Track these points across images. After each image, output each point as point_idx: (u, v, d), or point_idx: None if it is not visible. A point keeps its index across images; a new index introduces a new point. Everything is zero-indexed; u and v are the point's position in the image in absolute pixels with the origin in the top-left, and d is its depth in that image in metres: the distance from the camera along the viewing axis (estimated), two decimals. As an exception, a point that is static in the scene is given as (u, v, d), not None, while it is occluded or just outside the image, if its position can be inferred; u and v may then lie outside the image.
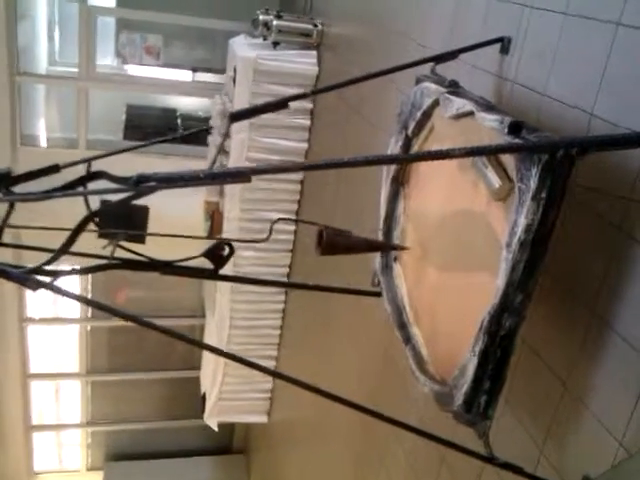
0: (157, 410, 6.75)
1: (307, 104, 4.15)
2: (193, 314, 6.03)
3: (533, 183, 1.22)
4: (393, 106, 2.84)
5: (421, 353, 1.76)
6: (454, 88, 1.61)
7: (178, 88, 5.69)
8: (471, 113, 1.46)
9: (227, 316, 4.53)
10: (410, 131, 1.80)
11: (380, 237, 2.00)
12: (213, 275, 1.68)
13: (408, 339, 1.81)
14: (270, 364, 4.86)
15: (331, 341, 3.71)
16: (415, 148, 1.84)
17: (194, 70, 6.36)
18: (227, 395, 4.89)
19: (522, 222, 1.25)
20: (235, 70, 4.18)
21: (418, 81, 1.80)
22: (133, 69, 6.12)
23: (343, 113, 3.58)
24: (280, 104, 1.69)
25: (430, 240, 1.76)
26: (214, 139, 4.47)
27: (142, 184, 1.27)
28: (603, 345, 1.50)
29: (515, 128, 1.28)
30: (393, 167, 1.90)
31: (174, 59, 6.27)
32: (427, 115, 1.72)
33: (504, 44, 1.94)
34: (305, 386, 1.56)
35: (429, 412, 2.35)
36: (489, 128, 1.37)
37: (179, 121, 6.84)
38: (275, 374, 1.70)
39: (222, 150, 3.98)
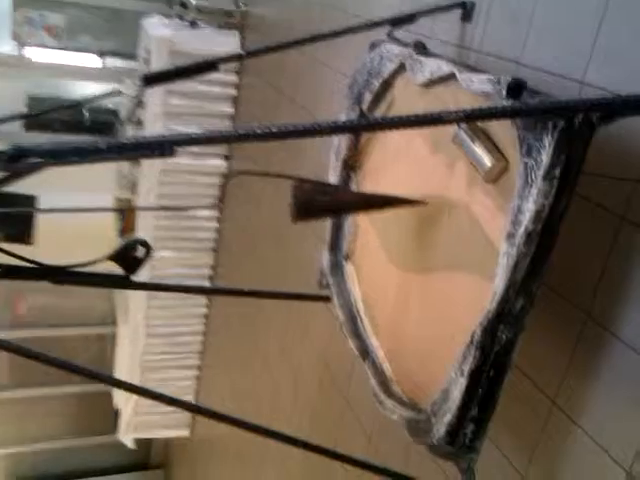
0: (67, 427, 6.16)
1: (230, 90, 3.80)
2: (103, 321, 5.50)
3: (546, 157, 0.95)
4: (330, 91, 2.55)
5: (383, 370, 1.47)
6: (423, 50, 1.33)
7: (86, 74, 5.16)
8: (451, 76, 1.18)
9: (142, 323, 4.09)
10: (365, 105, 1.51)
11: (327, 233, 1.70)
12: (124, 282, 1.31)
13: (366, 353, 1.52)
14: (192, 374, 4.46)
15: (263, 350, 3.38)
16: (371, 125, 1.55)
17: (102, 55, 5.83)
18: (144, 409, 4.44)
19: (530, 208, 0.98)
20: (149, 52, 3.76)
21: (373, 46, 1.51)
22: (34, 53, 5.51)
23: (272, 99, 3.25)
24: (207, 66, 1.35)
25: (392, 235, 1.47)
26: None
27: (21, 160, 0.91)
28: (602, 354, 1.27)
29: (516, 90, 1.01)
30: (343, 149, 1.60)
31: (80, 44, 5.72)
32: (388, 84, 1.43)
33: (466, 10, 1.69)
34: (228, 420, 1.27)
35: (384, 439, 2.08)
36: (478, 93, 1.09)
37: (86, 113, 6.29)
38: (194, 409, 1.40)
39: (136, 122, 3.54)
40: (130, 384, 1.20)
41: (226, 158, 3.93)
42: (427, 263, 1.33)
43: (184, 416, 4.66)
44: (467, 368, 1.11)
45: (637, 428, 1.21)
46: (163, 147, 0.95)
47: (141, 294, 4.01)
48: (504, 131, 1.10)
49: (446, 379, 1.16)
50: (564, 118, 0.93)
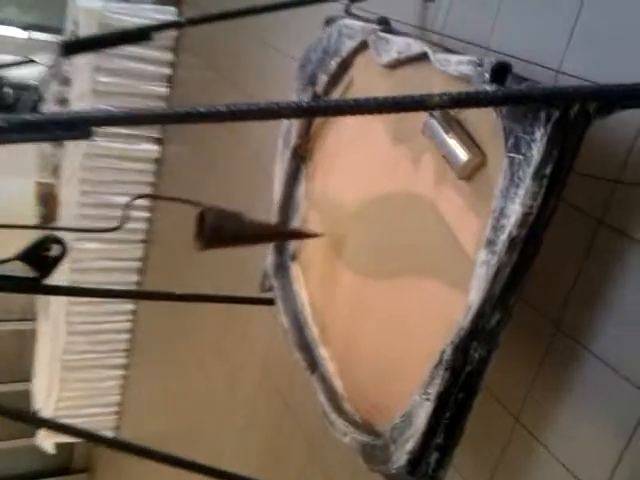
0: (-21, 430, 5.71)
1: (164, 69, 3.54)
2: (22, 317, 5.11)
3: (537, 152, 0.82)
4: (275, 75, 2.36)
5: (334, 386, 1.32)
6: (387, 27, 1.18)
7: (7, 47, 4.74)
8: (422, 57, 1.04)
9: (63, 320, 3.78)
10: (320, 87, 1.35)
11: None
12: (34, 286, 1.10)
13: (314, 365, 1.36)
14: (117, 373, 4.18)
15: (197, 349, 3.17)
16: (324, 111, 1.39)
17: (27, 29, 5.41)
18: (65, 412, 4.13)
19: (516, 211, 0.84)
20: (77, 24, 3.46)
21: (330, 21, 1.35)
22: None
23: (211, 81, 3.03)
24: (139, 34, 1.15)
25: (346, 235, 1.32)
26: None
27: None
28: (572, 368, 1.16)
29: (500, 73, 0.88)
30: (293, 135, 1.43)
31: (4, 15, 5.27)
32: (346, 64, 1.27)
33: (427, -11, 1.55)
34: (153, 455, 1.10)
35: (327, 446, 1.94)
36: (455, 75, 0.95)
37: (8, 90, 5.82)
38: (115, 445, 1.28)
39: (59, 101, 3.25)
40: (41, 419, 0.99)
41: (159, 142, 3.68)
42: (386, 268, 1.19)
43: (110, 419, 4.38)
44: (434, 391, 0.97)
45: (607, 449, 1.11)
46: (77, 126, 0.75)
47: (63, 287, 3.70)
48: (482, 122, 0.97)
49: (409, 402, 1.02)
50: (559, 108, 0.80)
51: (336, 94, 1.34)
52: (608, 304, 1.11)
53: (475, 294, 0.90)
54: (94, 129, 0.75)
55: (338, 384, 1.32)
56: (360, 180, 1.28)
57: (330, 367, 1.34)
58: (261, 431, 2.36)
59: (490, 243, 0.87)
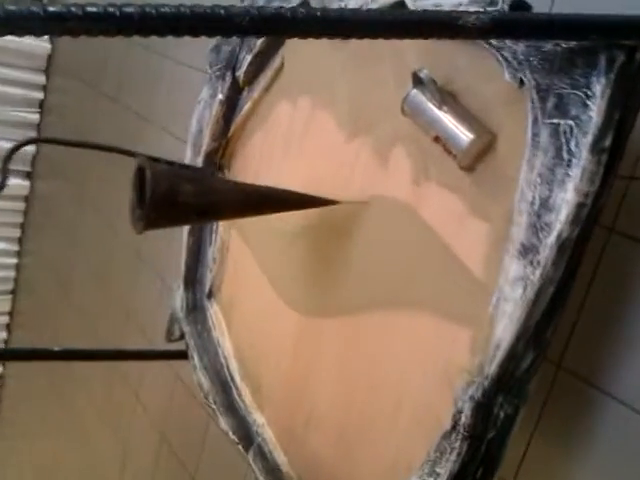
0: None
1: (36, 93, 3.09)
2: None
3: (597, 115, 0.56)
4: (170, 89, 2.04)
5: (276, 462, 0.98)
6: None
7: None
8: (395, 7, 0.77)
9: None
10: (242, 71, 1.05)
11: (182, 259, 1.18)
12: None
13: (248, 438, 1.02)
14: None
15: (79, 414, 2.66)
16: (248, 105, 1.09)
17: None
18: None
19: (569, 201, 0.58)
20: None
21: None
22: None
23: (91, 101, 2.64)
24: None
25: (284, 263, 1.01)
26: None
27: None
28: (588, 413, 0.91)
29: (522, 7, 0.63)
30: (206, 139, 1.11)
31: None
32: (277, 40, 0.98)
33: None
34: None
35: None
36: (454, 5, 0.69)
37: None
38: None
39: None
40: None
41: (29, 177, 3.18)
42: (349, 301, 0.89)
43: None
44: (446, 470, 0.67)
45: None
46: None
47: None
48: (486, 90, 0.71)
49: (403, 487, 0.71)
50: (624, 50, 0.56)
51: (263, 80, 1.05)
52: (627, 329, 0.88)
53: (506, 327, 0.62)
54: None
55: (281, 460, 0.99)
56: (302, 190, 0.98)
57: (269, 437, 1.01)
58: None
59: (528, 250, 0.60)
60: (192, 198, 0.75)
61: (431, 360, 0.78)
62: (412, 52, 0.79)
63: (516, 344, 0.63)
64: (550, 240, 0.59)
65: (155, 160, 0.80)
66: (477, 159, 0.71)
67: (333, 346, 0.91)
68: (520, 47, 0.63)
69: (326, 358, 0.93)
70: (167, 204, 0.73)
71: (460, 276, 0.74)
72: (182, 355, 1.19)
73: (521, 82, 0.66)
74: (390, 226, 0.84)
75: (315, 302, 0.94)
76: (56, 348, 1.05)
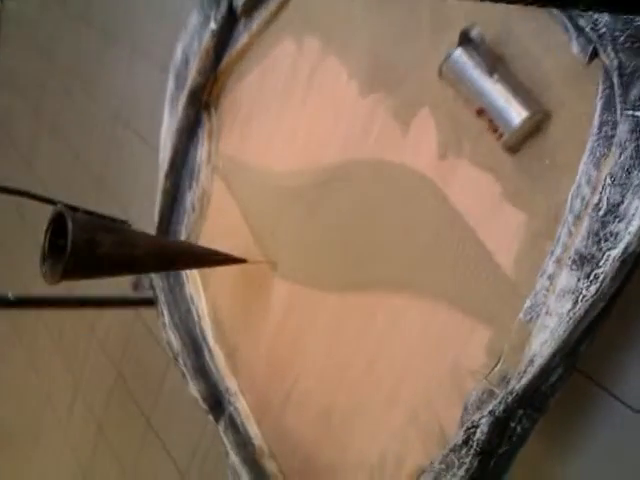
0: None
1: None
2: None
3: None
4: (142, 10, 1.81)
5: (249, 435, 0.91)
6: None
7: None
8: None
9: None
10: (241, 0, 0.91)
11: (157, 205, 1.06)
12: None
13: (218, 406, 0.95)
14: None
15: (33, 344, 2.54)
16: (245, 38, 0.95)
17: None
18: None
19: (645, 209, 0.50)
20: None
21: None
22: None
23: (55, 13, 2.37)
24: None
25: (275, 225, 0.90)
26: None
27: None
28: (587, 406, 0.87)
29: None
30: (192, 72, 0.97)
31: None
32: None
33: None
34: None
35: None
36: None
37: None
38: None
39: None
40: None
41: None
42: (350, 275, 0.80)
43: None
44: (453, 484, 0.61)
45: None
46: None
47: None
48: (545, 62, 0.61)
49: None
50: None
51: (265, 12, 0.91)
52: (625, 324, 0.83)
53: (545, 343, 0.55)
54: None
55: (254, 432, 0.92)
56: (303, 145, 0.87)
57: (242, 407, 0.94)
58: (116, 455, 1.88)
59: (585, 261, 0.52)
60: (111, 249, 0.70)
61: (439, 353, 0.71)
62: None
63: (551, 359, 0.56)
64: (614, 253, 0.51)
65: (74, 209, 0.73)
66: (524, 140, 0.62)
67: (328, 318, 0.83)
68: (604, 16, 0.52)
69: (319, 330, 0.84)
70: (86, 255, 0.67)
71: (484, 267, 0.66)
72: (149, 302, 1.09)
73: (591, 57, 0.56)
74: (406, 200, 0.75)
75: (312, 272, 0.84)
76: (11, 297, 0.93)
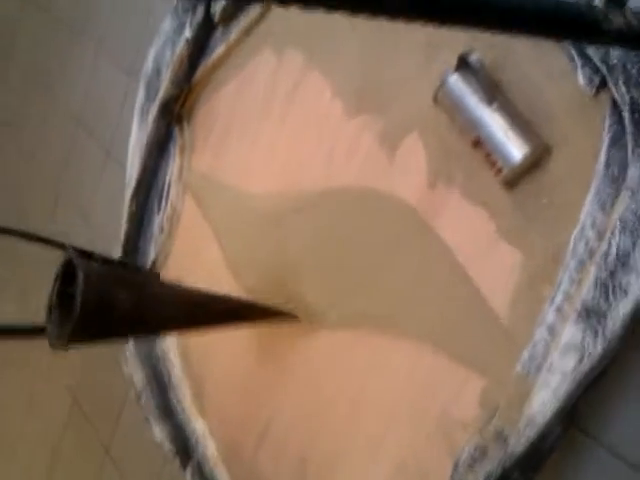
0: None
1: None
2: None
3: None
4: (110, 8, 1.68)
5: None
6: None
7: None
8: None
9: None
10: (219, 8, 0.85)
11: (123, 226, 0.99)
12: None
13: (186, 451, 0.88)
14: None
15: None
16: (222, 48, 0.88)
17: None
18: None
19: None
20: None
21: None
22: None
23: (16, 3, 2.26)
24: None
25: (252, 246, 0.84)
26: None
27: None
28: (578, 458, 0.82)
29: None
30: (164, 82, 0.91)
31: None
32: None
33: None
34: None
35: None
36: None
37: None
38: None
39: None
40: None
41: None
42: (331, 305, 0.74)
43: None
44: None
45: None
46: None
47: None
48: (548, 84, 0.56)
49: None
50: None
51: (244, 21, 0.85)
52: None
53: (546, 402, 0.50)
54: None
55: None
56: (282, 165, 0.81)
57: (211, 452, 0.87)
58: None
59: (592, 314, 0.47)
60: (128, 312, 0.60)
61: (426, 400, 0.65)
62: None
63: (552, 420, 0.51)
64: (624, 309, 0.46)
65: (88, 255, 0.62)
66: (522, 175, 0.57)
67: (306, 354, 0.77)
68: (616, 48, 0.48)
69: (295, 366, 0.78)
70: (99, 318, 0.57)
71: (476, 309, 0.61)
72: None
73: (598, 89, 0.52)
74: (391, 231, 0.69)
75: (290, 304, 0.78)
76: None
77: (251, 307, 0.74)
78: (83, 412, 1.62)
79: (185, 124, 0.94)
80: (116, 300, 0.58)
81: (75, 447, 1.66)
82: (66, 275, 0.60)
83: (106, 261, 0.63)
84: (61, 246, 0.64)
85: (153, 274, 0.66)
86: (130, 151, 0.93)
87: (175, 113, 0.93)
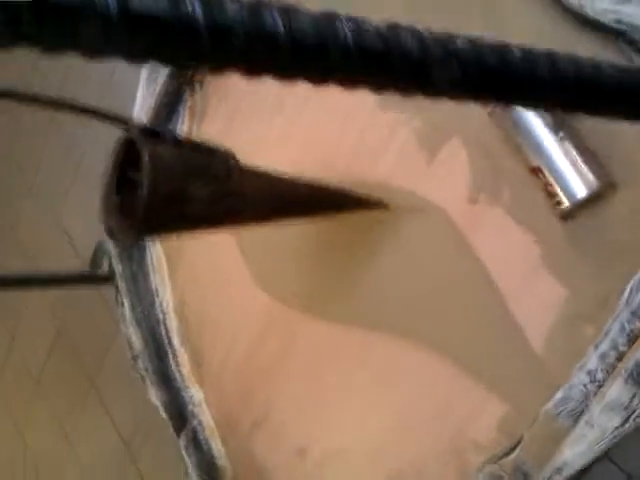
0: None
1: None
2: None
3: None
4: None
5: (212, 453, 0.84)
6: None
7: None
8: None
9: None
10: None
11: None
12: None
13: (180, 418, 0.87)
14: None
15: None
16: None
17: None
18: None
19: None
20: None
21: None
22: None
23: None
24: None
25: (266, 239, 0.80)
26: None
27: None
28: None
29: None
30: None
31: None
32: None
33: None
34: None
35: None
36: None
37: None
38: None
39: None
40: None
41: None
42: (348, 307, 0.72)
43: None
44: None
45: None
46: None
47: None
48: (605, 138, 0.52)
49: None
50: None
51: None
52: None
53: (580, 454, 0.49)
54: None
55: (218, 451, 0.85)
56: (301, 149, 0.76)
57: (206, 421, 0.86)
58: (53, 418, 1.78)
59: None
60: (205, 207, 0.50)
61: (441, 415, 0.64)
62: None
63: (581, 470, 0.50)
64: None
65: (154, 134, 0.51)
66: (581, 208, 0.53)
67: (314, 344, 0.75)
68: None
69: (300, 356, 0.77)
70: (169, 213, 0.49)
71: (508, 336, 0.59)
72: (105, 279, 0.98)
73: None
74: (420, 237, 0.66)
75: (301, 288, 0.75)
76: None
77: (343, 194, 0.66)
78: (70, 342, 1.60)
79: (197, 87, 0.87)
80: (190, 196, 0.49)
81: (59, 376, 1.65)
82: (128, 160, 0.51)
83: (177, 141, 0.54)
84: (123, 122, 0.55)
85: (232, 157, 0.56)
86: (135, 113, 0.86)
87: (188, 74, 0.86)
